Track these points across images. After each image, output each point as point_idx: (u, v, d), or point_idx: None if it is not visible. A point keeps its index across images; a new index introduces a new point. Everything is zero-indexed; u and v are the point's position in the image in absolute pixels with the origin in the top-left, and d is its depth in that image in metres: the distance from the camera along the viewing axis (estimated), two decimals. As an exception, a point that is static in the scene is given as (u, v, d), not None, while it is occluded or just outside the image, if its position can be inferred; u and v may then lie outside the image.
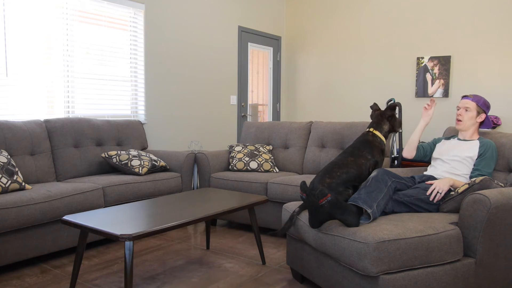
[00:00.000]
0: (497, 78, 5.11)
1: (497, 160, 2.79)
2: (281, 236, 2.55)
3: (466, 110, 2.83)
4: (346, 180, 2.45)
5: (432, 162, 2.95)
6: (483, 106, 2.83)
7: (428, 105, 3.04)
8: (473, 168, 2.71)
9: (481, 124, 2.89)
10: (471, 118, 2.82)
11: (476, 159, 2.72)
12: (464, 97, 2.89)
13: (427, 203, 2.50)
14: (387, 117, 2.87)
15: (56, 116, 3.92)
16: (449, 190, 2.59)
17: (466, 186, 2.40)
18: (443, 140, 3.00)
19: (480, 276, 2.18)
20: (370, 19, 6.00)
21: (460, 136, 2.91)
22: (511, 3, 4.99)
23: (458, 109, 2.89)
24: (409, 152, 3.07)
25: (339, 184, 2.42)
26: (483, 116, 2.83)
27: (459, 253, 2.13)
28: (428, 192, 2.49)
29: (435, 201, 2.47)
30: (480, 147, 2.75)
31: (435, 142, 3.05)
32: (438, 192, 2.47)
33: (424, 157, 3.07)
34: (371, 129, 2.83)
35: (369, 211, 2.20)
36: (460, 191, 2.42)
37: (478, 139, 2.82)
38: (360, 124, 3.97)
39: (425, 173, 2.90)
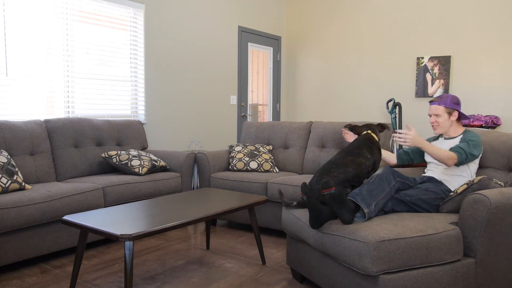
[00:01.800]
0: (497, 78, 5.11)
1: (490, 162, 2.79)
2: (285, 203, 2.59)
3: (437, 116, 2.83)
4: (344, 180, 2.43)
5: (427, 166, 2.95)
6: (451, 105, 2.79)
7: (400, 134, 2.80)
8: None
9: (459, 120, 2.87)
10: (445, 121, 2.82)
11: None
12: (431, 102, 2.87)
13: (427, 203, 2.51)
14: (379, 131, 3.00)
15: (56, 116, 3.92)
16: (449, 191, 2.59)
17: (465, 186, 2.40)
18: (432, 142, 3.00)
19: (480, 276, 2.18)
20: (370, 19, 6.00)
21: (445, 136, 2.91)
22: (511, 3, 4.99)
23: (430, 116, 2.88)
24: (390, 160, 3.14)
25: (337, 184, 2.41)
26: (455, 114, 2.81)
27: (459, 253, 2.13)
28: (397, 134, 2.65)
29: (396, 140, 2.66)
30: (463, 134, 2.78)
31: None
32: (404, 140, 2.62)
33: (408, 161, 3.07)
34: (368, 131, 2.86)
35: (365, 210, 2.21)
36: (459, 191, 2.42)
37: (463, 132, 2.83)
38: (360, 124, 3.96)
39: (424, 174, 2.89)
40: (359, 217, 2.23)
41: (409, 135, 2.62)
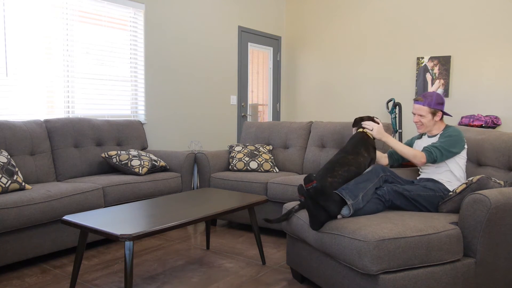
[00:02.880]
0: (497, 78, 5.12)
1: (490, 161, 2.80)
2: (275, 221, 2.59)
3: (421, 116, 2.83)
4: (347, 178, 2.47)
5: (420, 168, 2.94)
6: (435, 106, 2.79)
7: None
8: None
9: (442, 118, 2.87)
10: (428, 121, 2.82)
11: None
12: (416, 101, 2.86)
13: (426, 200, 2.51)
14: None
15: (56, 116, 3.92)
16: (448, 191, 2.59)
17: (464, 185, 2.40)
18: (416, 141, 3.00)
19: (480, 276, 2.18)
20: (370, 19, 6.00)
21: (428, 133, 2.91)
22: (511, 3, 4.99)
23: (414, 114, 2.87)
24: (382, 161, 3.05)
25: (341, 183, 2.43)
26: (439, 114, 2.81)
27: (459, 253, 2.13)
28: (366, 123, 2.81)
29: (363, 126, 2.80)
30: (443, 131, 2.79)
31: (412, 141, 3.06)
32: (370, 127, 2.78)
33: (400, 159, 3.03)
34: (364, 129, 2.87)
35: (349, 202, 2.24)
36: (458, 191, 2.42)
37: (444, 128, 2.82)
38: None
39: (420, 177, 2.88)
40: (346, 213, 2.26)
41: (375, 126, 2.82)
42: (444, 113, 2.82)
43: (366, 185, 2.36)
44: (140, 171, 3.69)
